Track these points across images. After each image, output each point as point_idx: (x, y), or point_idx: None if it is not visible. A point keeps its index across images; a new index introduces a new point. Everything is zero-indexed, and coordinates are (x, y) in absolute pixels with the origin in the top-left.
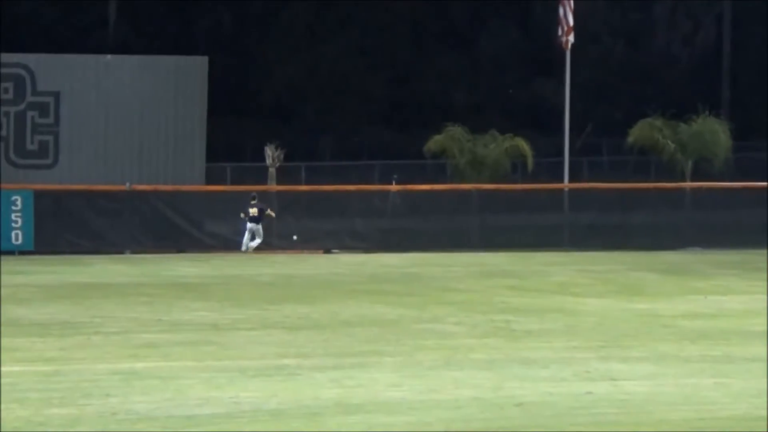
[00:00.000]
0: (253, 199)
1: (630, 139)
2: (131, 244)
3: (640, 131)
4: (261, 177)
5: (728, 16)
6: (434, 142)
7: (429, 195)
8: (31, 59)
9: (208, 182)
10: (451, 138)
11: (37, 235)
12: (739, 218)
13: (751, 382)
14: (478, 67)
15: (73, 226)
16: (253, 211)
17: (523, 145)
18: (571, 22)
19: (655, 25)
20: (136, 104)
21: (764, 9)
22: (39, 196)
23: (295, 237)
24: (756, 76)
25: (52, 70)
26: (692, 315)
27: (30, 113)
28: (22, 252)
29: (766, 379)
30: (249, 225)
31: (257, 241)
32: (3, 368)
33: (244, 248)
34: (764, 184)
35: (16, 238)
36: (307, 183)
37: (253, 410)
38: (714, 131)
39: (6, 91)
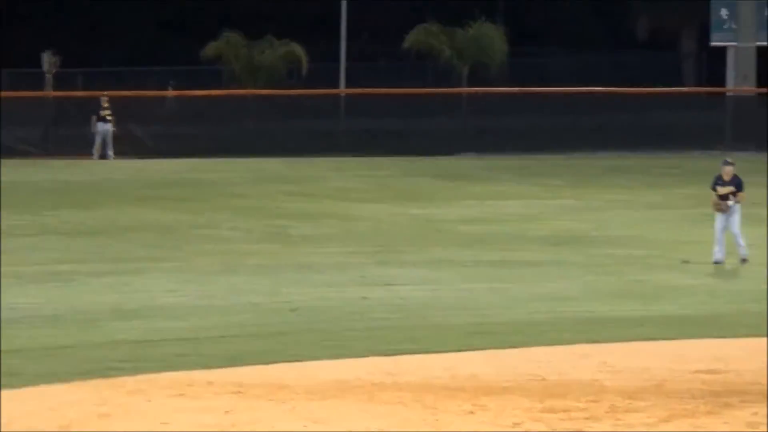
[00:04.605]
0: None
1: (406, 44)
2: None
3: (416, 37)
4: (38, 83)
5: None
6: (211, 48)
7: (205, 101)
8: None
9: None
10: (227, 44)
11: None
12: (514, 123)
13: (528, 286)
14: None
15: None
16: (106, 113)
17: (299, 50)
18: None
19: None
20: None
21: None
22: None
23: None
24: None
25: None
26: (468, 220)
27: None
28: None
29: (542, 284)
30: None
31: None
32: None
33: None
34: (538, 89)
35: None
36: (84, 89)
37: (30, 316)
38: (490, 37)
39: None
